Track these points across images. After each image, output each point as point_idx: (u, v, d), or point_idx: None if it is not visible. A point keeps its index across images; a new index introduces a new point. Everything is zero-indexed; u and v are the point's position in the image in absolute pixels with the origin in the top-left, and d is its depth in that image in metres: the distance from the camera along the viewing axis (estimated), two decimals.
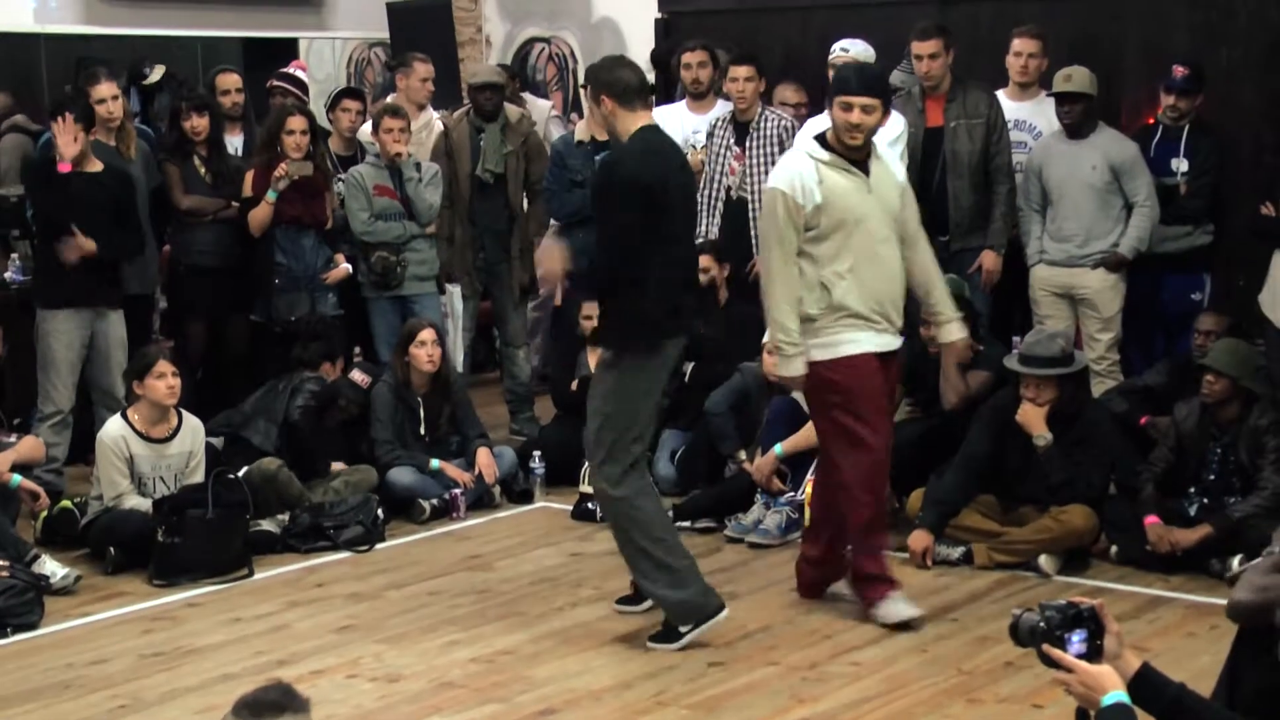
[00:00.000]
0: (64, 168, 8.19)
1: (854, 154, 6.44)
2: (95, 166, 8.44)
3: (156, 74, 10.69)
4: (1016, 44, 8.90)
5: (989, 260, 8.63)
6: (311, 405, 8.33)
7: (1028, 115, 8.88)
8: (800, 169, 6.42)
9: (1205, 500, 7.19)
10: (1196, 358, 7.62)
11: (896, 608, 6.48)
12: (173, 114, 9.52)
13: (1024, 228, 8.73)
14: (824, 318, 6.42)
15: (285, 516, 7.80)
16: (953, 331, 6.76)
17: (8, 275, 8.93)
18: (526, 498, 8.64)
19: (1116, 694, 3.56)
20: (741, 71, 9.12)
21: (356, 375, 8.63)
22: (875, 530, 6.62)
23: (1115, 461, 7.41)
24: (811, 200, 6.36)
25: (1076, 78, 8.46)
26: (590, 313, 8.90)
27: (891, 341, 6.53)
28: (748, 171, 9.10)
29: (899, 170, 6.76)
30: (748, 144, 9.09)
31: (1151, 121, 8.91)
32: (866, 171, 6.47)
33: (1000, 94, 8.85)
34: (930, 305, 6.82)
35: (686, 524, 7.94)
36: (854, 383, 6.42)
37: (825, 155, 6.43)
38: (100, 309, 8.50)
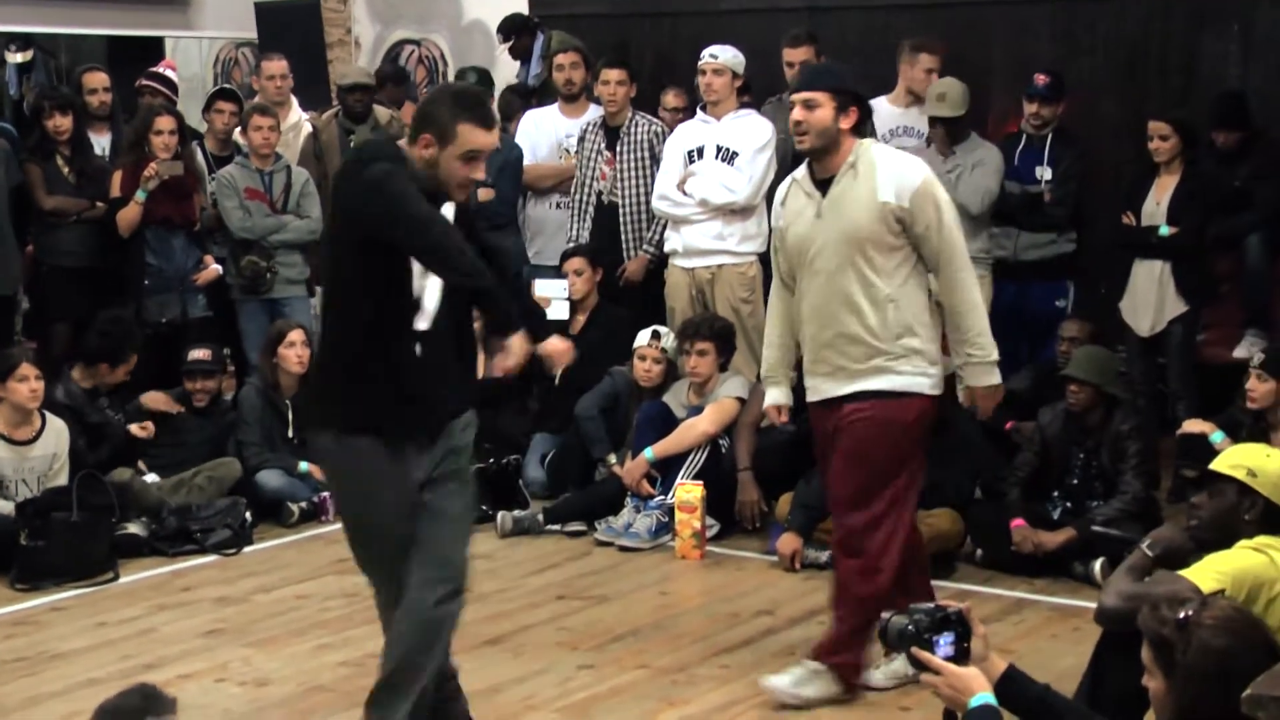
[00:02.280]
0: None
1: (820, 170, 5.63)
2: None
3: (23, 56, 10.54)
4: (925, 59, 8.96)
5: None
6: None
7: (914, 121, 8.96)
8: (781, 188, 5.88)
9: (1069, 504, 7.31)
10: (1061, 364, 7.75)
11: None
12: (34, 112, 9.38)
13: None
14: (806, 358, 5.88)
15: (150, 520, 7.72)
16: (979, 376, 5.78)
17: None
18: None
19: (983, 695, 3.63)
20: (613, 75, 9.15)
21: (157, 399, 8.38)
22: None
23: (981, 466, 7.52)
24: (778, 224, 5.86)
25: (950, 98, 8.56)
26: None
27: (831, 389, 5.70)
28: (618, 176, 9.13)
29: (891, 185, 5.52)
30: (618, 149, 9.12)
31: (1015, 130, 9.07)
32: (826, 190, 5.62)
33: (883, 100, 8.94)
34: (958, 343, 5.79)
35: (557, 527, 7.97)
36: (816, 431, 5.93)
37: (800, 172, 5.76)
38: None
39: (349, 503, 5.02)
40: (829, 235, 5.56)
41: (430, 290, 4.77)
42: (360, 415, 4.78)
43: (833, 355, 5.64)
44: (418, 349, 4.78)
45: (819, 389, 5.73)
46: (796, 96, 5.61)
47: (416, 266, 4.72)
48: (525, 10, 11.52)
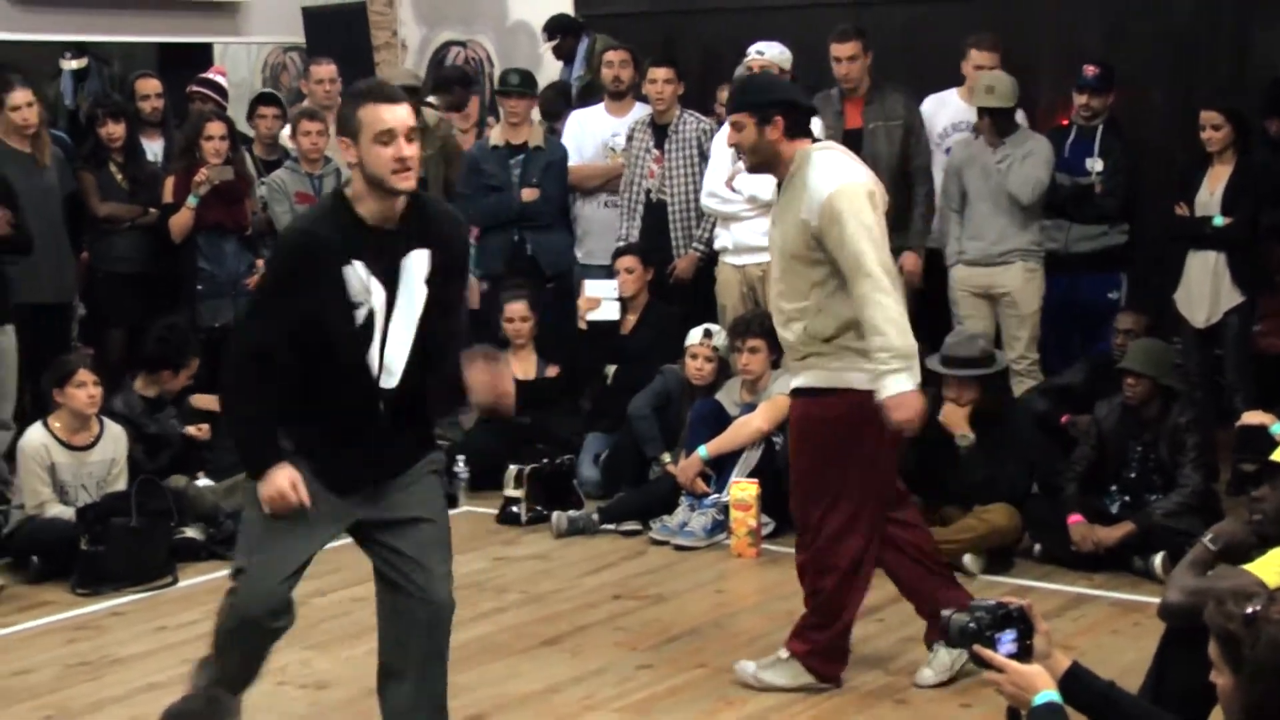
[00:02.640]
0: None
1: (779, 180, 5.71)
2: None
3: (78, 63, 10.62)
4: (975, 56, 8.96)
5: (909, 262, 8.69)
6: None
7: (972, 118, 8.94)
8: None
9: (1127, 498, 7.28)
10: (1116, 357, 7.72)
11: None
12: (88, 120, 9.45)
13: (942, 228, 8.81)
14: None
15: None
16: (890, 383, 5.45)
17: None
18: (450, 502, 8.57)
19: (1047, 693, 3.61)
20: (660, 73, 9.15)
21: (209, 400, 8.28)
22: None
23: (1037, 460, 7.49)
24: None
25: (999, 90, 8.53)
26: (513, 315, 8.93)
27: (787, 384, 6.05)
28: (667, 174, 9.13)
29: (811, 200, 5.50)
30: (666, 147, 9.12)
31: (1065, 123, 9.02)
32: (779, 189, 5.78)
33: (952, 94, 8.93)
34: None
35: (612, 526, 7.98)
36: None
37: None
38: None
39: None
40: (774, 242, 5.72)
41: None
42: None
43: (792, 361, 5.79)
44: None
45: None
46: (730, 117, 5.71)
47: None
48: (570, 10, 11.54)
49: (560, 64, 11.02)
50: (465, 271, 4.88)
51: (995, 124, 8.56)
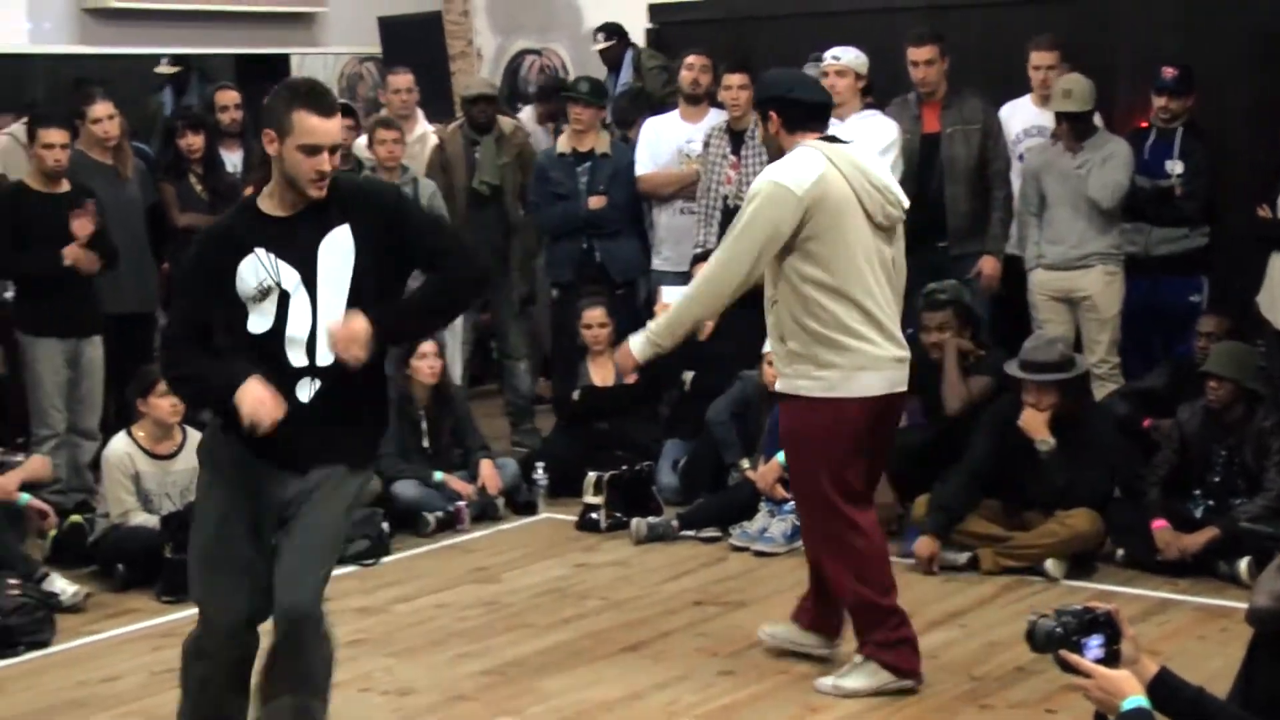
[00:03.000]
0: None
1: None
2: (62, 188, 8.44)
3: (172, 68, 10.75)
4: (1035, 57, 8.95)
5: (988, 265, 8.67)
6: None
7: (1050, 122, 8.89)
8: None
9: (1211, 502, 7.23)
10: (1199, 360, 7.65)
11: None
12: (168, 132, 9.54)
13: (1021, 232, 8.76)
14: None
15: None
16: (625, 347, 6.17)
17: (7, 295, 8.93)
18: (530, 509, 8.65)
19: (1136, 699, 3.59)
20: (735, 80, 9.14)
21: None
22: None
23: (1119, 464, 7.44)
24: None
25: (1076, 94, 8.46)
26: (591, 321, 8.95)
27: None
28: (743, 180, 9.12)
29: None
30: (743, 152, 9.11)
31: (1145, 125, 8.96)
32: None
33: (1025, 100, 8.91)
34: None
35: (691, 533, 7.98)
36: None
37: None
38: (81, 335, 8.52)
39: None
40: None
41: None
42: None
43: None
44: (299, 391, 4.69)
45: None
46: None
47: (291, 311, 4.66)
48: (645, 18, 11.57)
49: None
50: (409, 215, 4.89)
51: (1073, 128, 8.51)
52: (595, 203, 9.36)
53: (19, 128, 9.93)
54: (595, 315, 9.00)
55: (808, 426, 5.79)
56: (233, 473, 4.77)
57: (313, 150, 4.55)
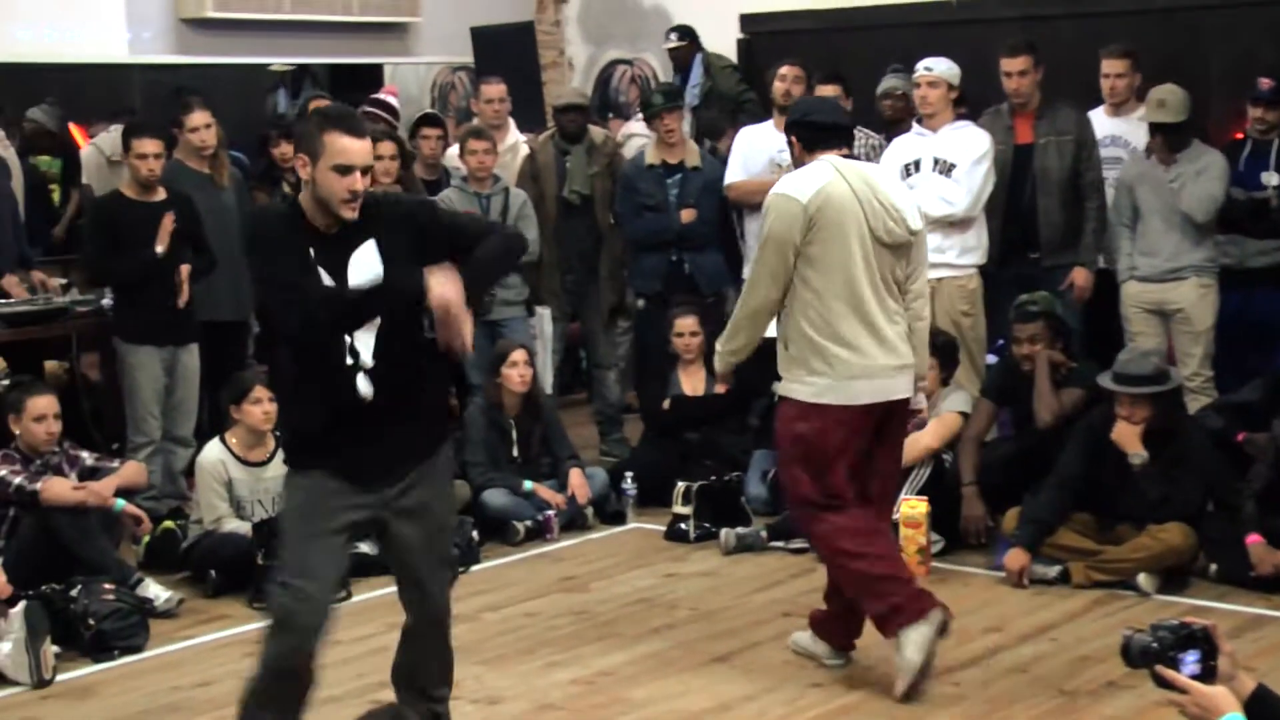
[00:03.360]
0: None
1: None
2: (157, 196, 8.55)
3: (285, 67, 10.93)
4: (1105, 65, 8.90)
5: (1080, 277, 8.60)
6: None
7: (1123, 131, 8.85)
8: None
9: None
10: None
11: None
12: (261, 141, 9.64)
13: (1114, 244, 8.69)
14: None
15: None
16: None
17: (105, 303, 9.05)
18: (619, 519, 8.66)
19: (1233, 715, 3.55)
20: (827, 91, 9.12)
21: None
22: None
23: (1213, 478, 7.36)
24: None
25: (1170, 105, 8.36)
26: (683, 330, 8.95)
27: None
28: None
29: None
30: None
31: (1240, 136, 8.87)
32: None
33: (1097, 110, 8.84)
34: None
35: (780, 544, 7.96)
36: None
37: None
38: (178, 343, 8.63)
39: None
40: None
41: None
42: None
43: None
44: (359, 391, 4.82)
45: None
46: None
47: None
48: (736, 28, 11.57)
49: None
50: (437, 219, 5.05)
51: (1167, 140, 8.42)
52: (687, 216, 9.37)
53: (105, 138, 10.09)
54: (687, 324, 9.01)
55: (795, 429, 6.04)
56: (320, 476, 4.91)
57: (345, 170, 4.69)
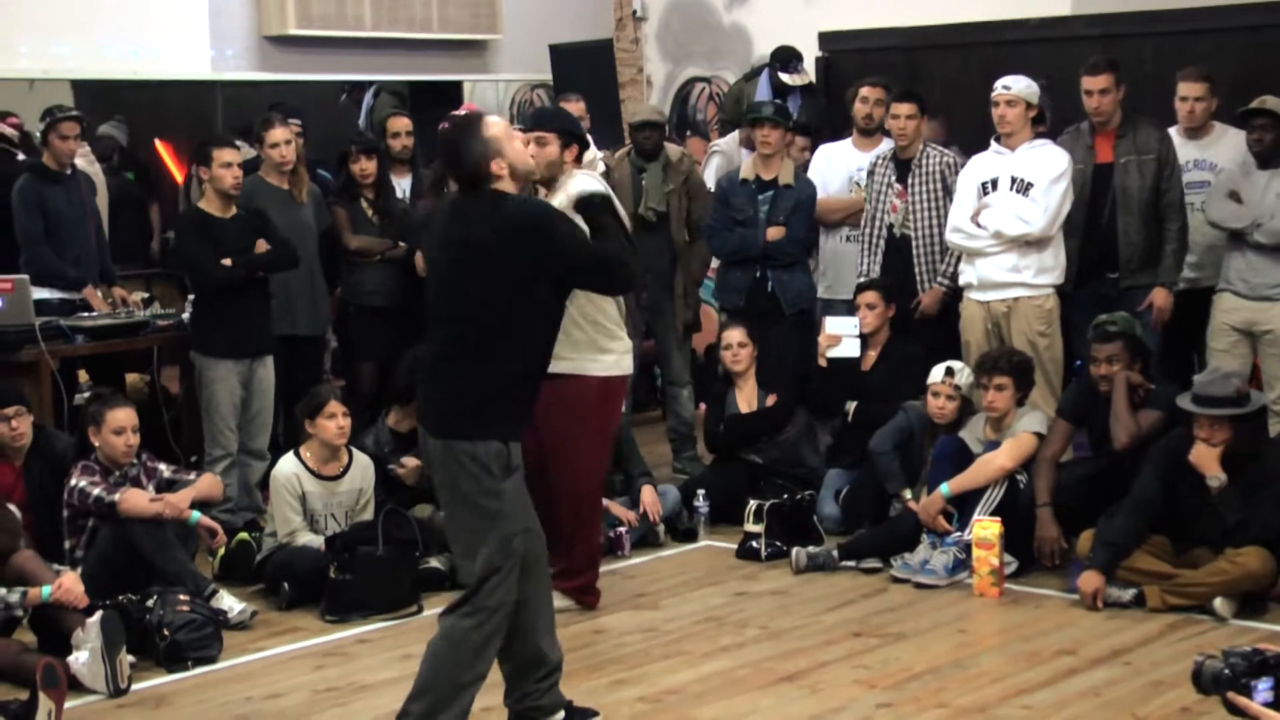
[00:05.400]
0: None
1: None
2: (231, 213, 8.65)
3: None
4: (1182, 88, 8.80)
5: (1160, 298, 8.52)
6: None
7: (1204, 154, 8.75)
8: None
9: None
10: None
11: None
12: (341, 157, 9.70)
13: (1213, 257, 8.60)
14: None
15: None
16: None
17: (185, 317, 9.14)
18: (691, 536, 8.65)
19: None
20: (903, 109, 9.10)
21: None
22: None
23: None
24: None
25: (1270, 102, 8.32)
26: (731, 341, 8.93)
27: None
28: (909, 209, 9.07)
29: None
30: (910, 181, 9.07)
31: None
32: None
33: (1171, 133, 8.75)
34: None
35: (852, 563, 7.92)
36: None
37: None
38: (255, 356, 8.70)
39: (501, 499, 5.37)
40: None
41: None
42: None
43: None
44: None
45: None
46: (529, 135, 6.69)
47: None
48: (816, 47, 11.54)
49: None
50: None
51: (1268, 139, 8.31)
52: (774, 234, 9.32)
53: None
54: (734, 335, 8.98)
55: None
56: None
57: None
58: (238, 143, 9.06)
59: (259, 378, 8.72)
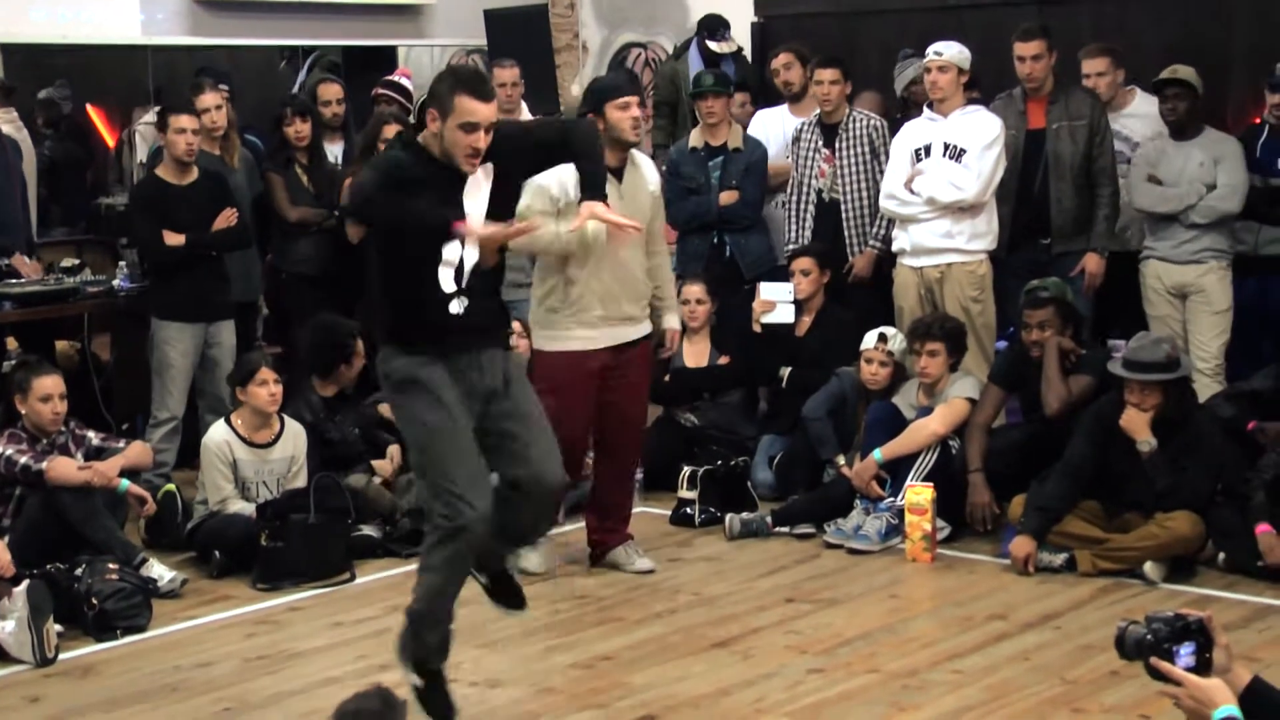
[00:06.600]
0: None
1: (615, 158, 6.92)
2: (191, 177, 8.56)
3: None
4: (1085, 66, 8.85)
5: (1092, 263, 8.54)
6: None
7: (1119, 126, 8.79)
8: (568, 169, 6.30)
9: None
10: None
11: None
12: (275, 120, 9.60)
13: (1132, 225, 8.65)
14: (563, 311, 7.14)
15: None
16: (671, 320, 7.53)
17: (116, 283, 9.05)
18: None
19: (1227, 708, 3.53)
20: (826, 75, 9.09)
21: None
22: None
23: (1222, 467, 7.30)
24: (565, 197, 6.81)
25: (1181, 71, 8.39)
26: (689, 297, 8.91)
27: (631, 333, 7.23)
28: (837, 173, 9.07)
29: (653, 177, 7.31)
30: (837, 145, 9.06)
31: (1258, 121, 8.81)
32: (620, 177, 7.02)
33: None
34: (655, 297, 7.38)
35: (785, 529, 7.94)
36: (568, 376, 7.08)
37: None
38: (213, 320, 8.64)
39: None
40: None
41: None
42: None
43: (635, 310, 7.26)
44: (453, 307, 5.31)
45: (624, 335, 7.22)
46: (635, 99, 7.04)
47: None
48: (751, 11, 11.51)
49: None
50: (528, 131, 5.90)
51: (1181, 108, 8.38)
52: (726, 198, 9.29)
53: (145, 128, 10.10)
54: (694, 291, 8.94)
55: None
56: (428, 374, 5.29)
57: (470, 128, 5.16)
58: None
59: (220, 342, 8.66)
